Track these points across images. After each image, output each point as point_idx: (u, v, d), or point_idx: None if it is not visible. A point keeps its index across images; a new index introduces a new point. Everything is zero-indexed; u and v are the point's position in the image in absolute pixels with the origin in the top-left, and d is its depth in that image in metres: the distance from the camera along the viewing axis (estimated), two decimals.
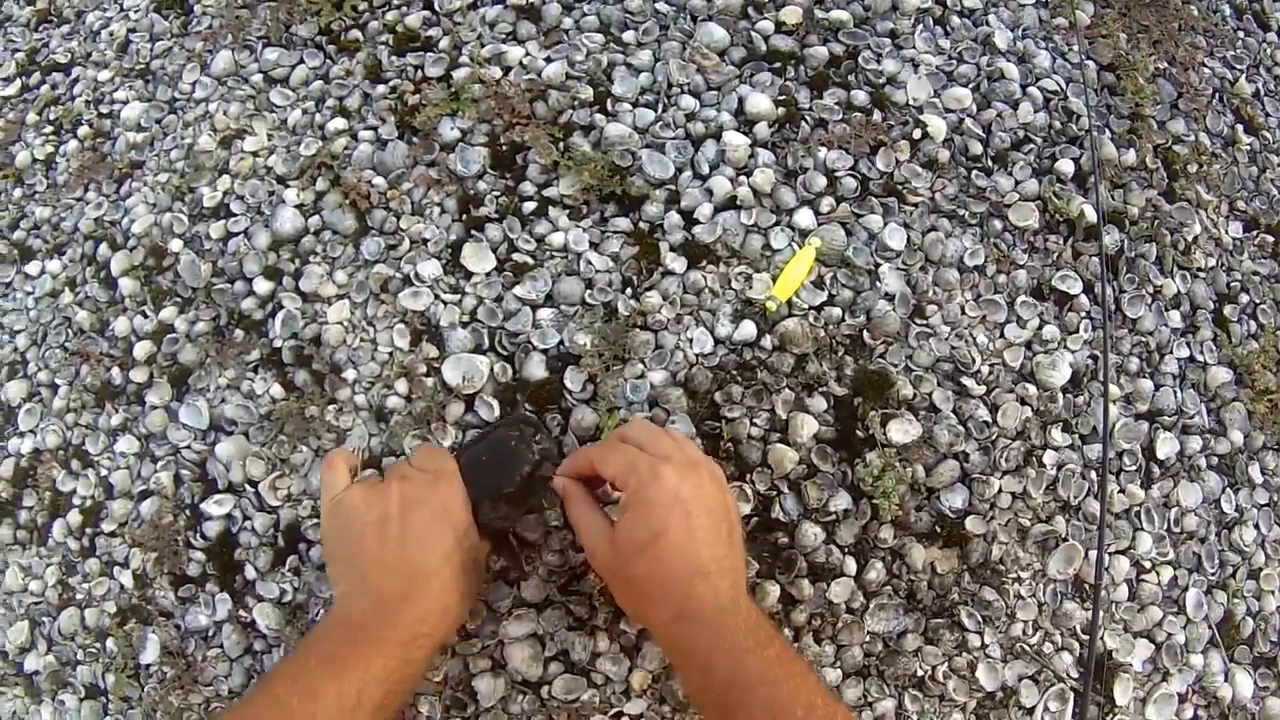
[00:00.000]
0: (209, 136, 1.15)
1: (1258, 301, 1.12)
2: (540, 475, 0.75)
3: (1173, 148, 1.17)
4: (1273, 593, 1.03)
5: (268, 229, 1.06)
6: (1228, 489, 1.03)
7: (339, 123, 1.12)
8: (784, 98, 1.08)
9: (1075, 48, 1.19)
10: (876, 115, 1.09)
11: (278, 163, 1.11)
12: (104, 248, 1.11)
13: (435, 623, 0.69)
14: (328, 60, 1.18)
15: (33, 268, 1.14)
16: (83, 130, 1.22)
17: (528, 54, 1.13)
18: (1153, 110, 1.18)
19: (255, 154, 1.13)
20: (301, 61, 1.18)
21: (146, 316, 1.06)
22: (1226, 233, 1.15)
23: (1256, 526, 1.03)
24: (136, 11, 1.31)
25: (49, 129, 1.24)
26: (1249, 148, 1.22)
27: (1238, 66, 1.28)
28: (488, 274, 1.00)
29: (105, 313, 1.08)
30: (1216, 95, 1.24)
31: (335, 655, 0.67)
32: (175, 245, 1.08)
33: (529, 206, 1.03)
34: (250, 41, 1.21)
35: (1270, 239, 1.17)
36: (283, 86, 1.17)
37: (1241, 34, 1.32)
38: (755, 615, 0.68)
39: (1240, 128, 1.23)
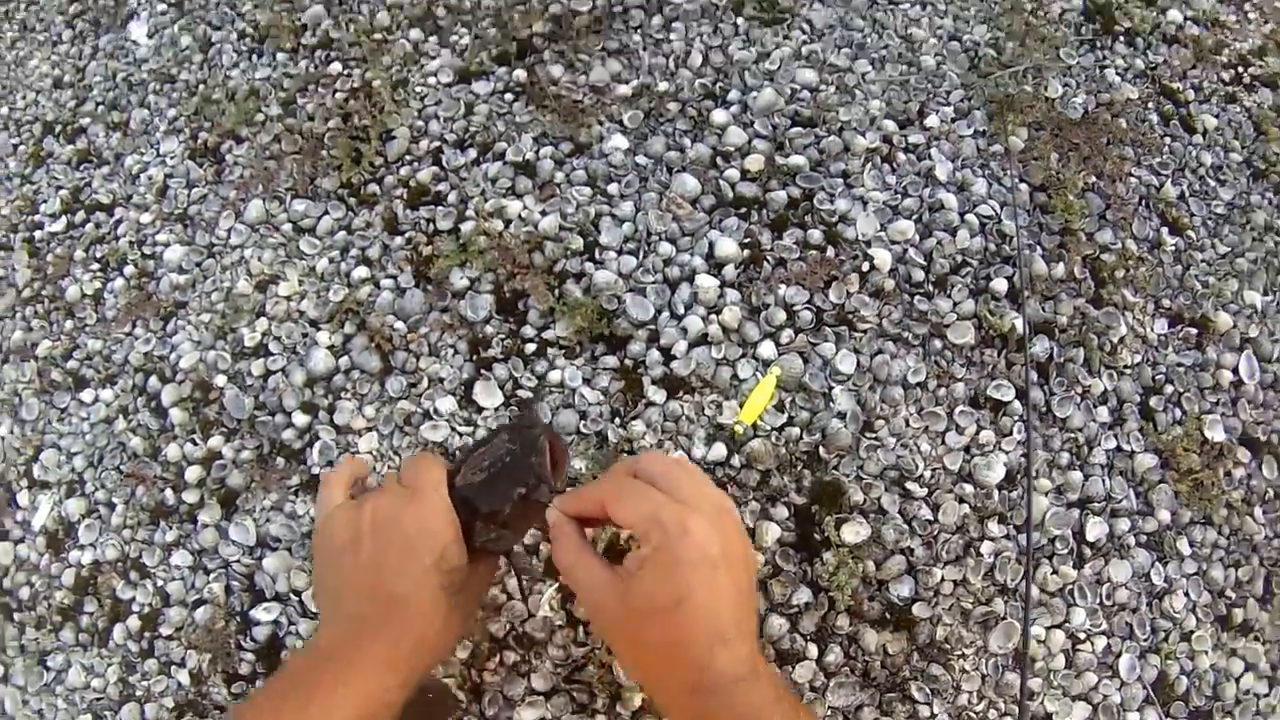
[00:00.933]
0: (246, 281, 1.38)
1: (1181, 390, 1.30)
2: (536, 499, 0.69)
3: (1100, 256, 1.35)
4: (1205, 652, 1.19)
5: (303, 368, 1.28)
6: (1157, 563, 1.20)
7: (362, 271, 1.34)
8: (748, 240, 1.29)
9: (1010, 172, 1.39)
10: (830, 251, 1.29)
11: (309, 307, 1.34)
12: (154, 380, 1.34)
13: (410, 651, 0.65)
14: (350, 212, 1.42)
15: (87, 395, 1.37)
16: (128, 269, 1.45)
17: (525, 207, 1.36)
18: (1081, 224, 1.37)
19: (289, 298, 1.36)
20: (326, 213, 1.42)
21: (196, 444, 1.28)
22: (1152, 330, 1.33)
23: (1186, 594, 1.20)
24: (172, 158, 1.55)
25: (96, 266, 1.48)
26: (1174, 248, 1.40)
27: (1163, 172, 1.46)
28: (496, 408, 1.21)
29: (157, 439, 1.30)
30: (1143, 202, 1.43)
31: (300, 683, 0.64)
32: (220, 380, 1.31)
33: (530, 348, 1.24)
34: (279, 192, 1.45)
35: (1194, 331, 1.35)
36: (311, 236, 1.41)
37: (1168, 139, 1.51)
38: (776, 683, 0.64)
39: (1165, 230, 1.41)
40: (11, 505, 1.33)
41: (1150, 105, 1.53)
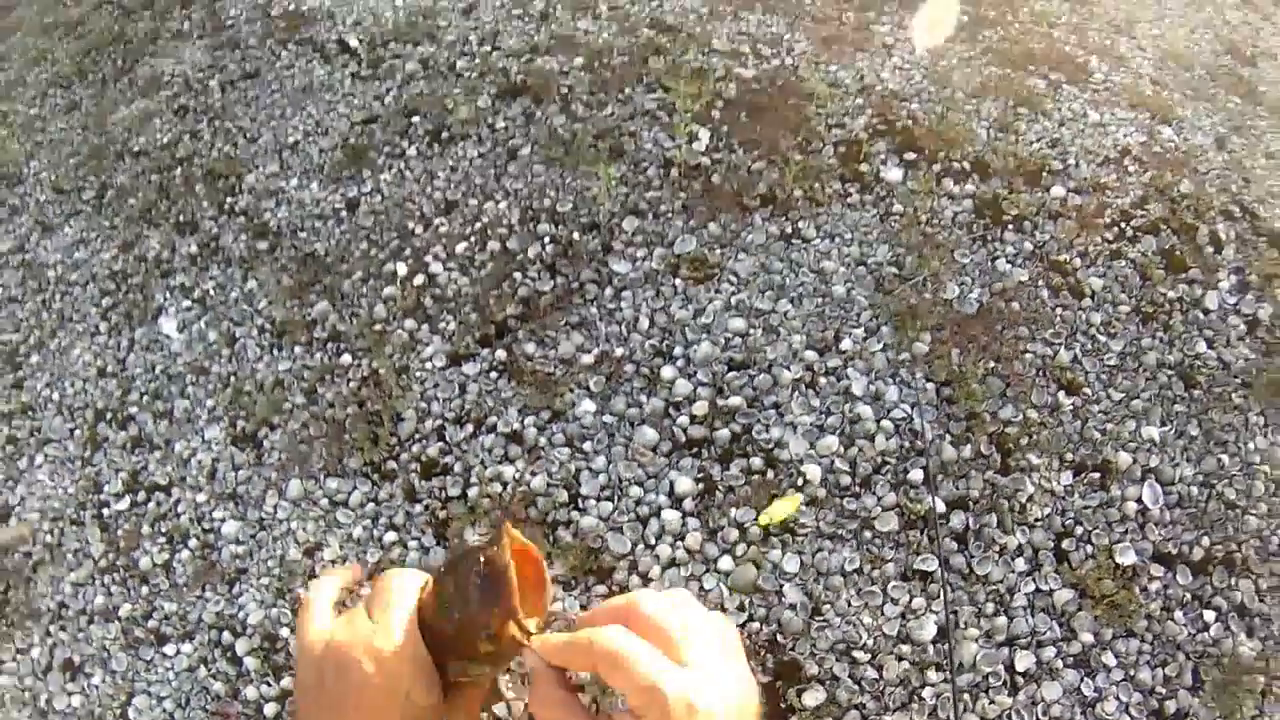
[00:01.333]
0: (295, 548, 2.08)
1: (1091, 529, 1.90)
2: (510, 638, 0.69)
3: (1005, 430, 1.99)
4: None
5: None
6: (1085, 678, 1.77)
7: (391, 535, 2.04)
8: (701, 475, 1.96)
9: (917, 374, 2.05)
10: (770, 474, 1.95)
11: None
12: (227, 634, 2.01)
13: None
14: (375, 486, 2.13)
15: (169, 649, 2.04)
16: (192, 543, 2.16)
17: (518, 470, 2.06)
18: (984, 405, 2.01)
19: (333, 561, 2.05)
20: (355, 488, 2.13)
21: (270, 685, 1.95)
22: (1058, 483, 1.95)
23: (1117, 698, 1.76)
24: (217, 444, 2.29)
25: (162, 539, 2.19)
26: (1071, 407, 2.03)
27: (1055, 342, 2.11)
28: None
29: (235, 683, 1.97)
30: (1039, 373, 2.07)
31: None
32: (284, 632, 1.99)
33: None
34: (314, 472, 2.18)
35: (1097, 475, 1.95)
36: (345, 508, 2.11)
37: (1059, 309, 2.16)
38: None
39: (1062, 393, 2.04)
40: None
41: (1040, 282, 2.19)
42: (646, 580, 1.87)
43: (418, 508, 2.06)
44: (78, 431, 2.44)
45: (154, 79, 3.41)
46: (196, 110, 3.19)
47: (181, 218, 2.81)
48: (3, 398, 2.59)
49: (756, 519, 1.84)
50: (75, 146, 3.28)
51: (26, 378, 2.61)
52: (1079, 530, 1.89)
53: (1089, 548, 1.88)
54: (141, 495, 2.27)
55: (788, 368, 2.08)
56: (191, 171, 2.95)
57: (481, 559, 0.70)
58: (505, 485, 2.05)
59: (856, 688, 1.74)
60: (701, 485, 1.95)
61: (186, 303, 2.58)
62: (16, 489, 2.39)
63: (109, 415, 2.43)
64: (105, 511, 2.28)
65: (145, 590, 2.13)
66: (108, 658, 2.06)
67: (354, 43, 3.15)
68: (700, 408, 2.05)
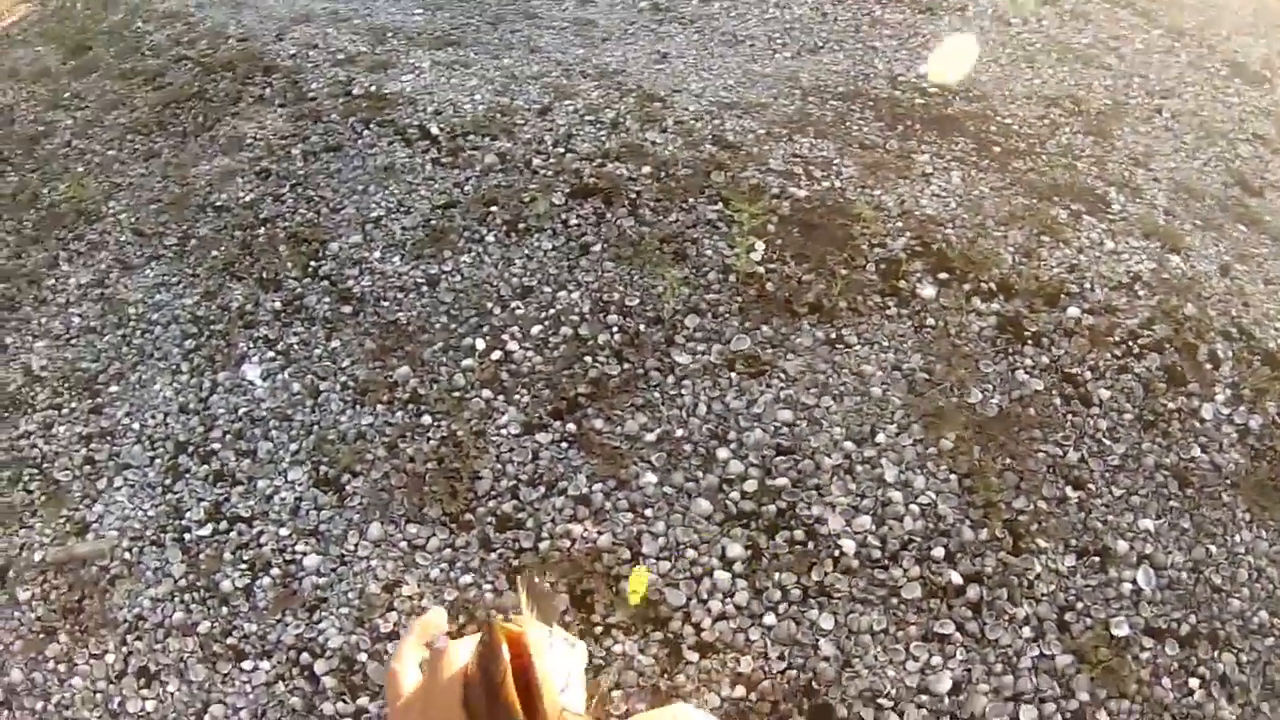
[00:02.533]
0: (375, 584, 2.47)
1: (1090, 604, 2.31)
2: None
3: (1017, 518, 2.42)
4: None
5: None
6: None
7: (467, 578, 2.44)
8: (750, 543, 2.38)
9: (942, 467, 2.49)
10: (810, 545, 2.37)
11: (429, 604, 2.41)
12: (305, 655, 2.37)
13: None
14: (452, 534, 2.52)
15: (247, 665, 2.38)
16: (274, 571, 2.52)
17: (585, 529, 2.47)
18: (1000, 496, 2.44)
19: (411, 598, 2.44)
20: (434, 535, 2.53)
21: (346, 702, 2.32)
22: (1063, 564, 2.36)
23: None
24: (299, 484, 2.68)
25: (244, 565, 2.54)
26: (1077, 500, 2.45)
27: (1065, 444, 2.54)
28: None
29: (312, 699, 2.33)
30: (1050, 470, 2.50)
31: None
32: (363, 657, 2.36)
33: (599, 629, 2.31)
34: (394, 518, 2.57)
35: (1097, 559, 2.38)
36: (423, 551, 2.50)
37: (1070, 415, 2.60)
38: None
39: (1069, 488, 2.47)
40: None
41: (1054, 392, 2.63)
42: (698, 630, 2.28)
43: (492, 555, 2.46)
44: (158, 460, 2.79)
45: (236, 139, 3.88)
46: (279, 175, 3.64)
47: (265, 274, 3.23)
48: (81, 421, 2.95)
49: (629, 598, 2.28)
50: (155, 193, 3.72)
51: (105, 405, 2.98)
52: (1079, 605, 2.30)
53: (1088, 620, 2.29)
54: (224, 524, 2.62)
55: (829, 455, 2.50)
56: (275, 232, 3.39)
57: (478, 670, 0.74)
58: (573, 541, 2.45)
59: None
60: (750, 551, 2.37)
61: (270, 354, 2.99)
62: (94, 507, 2.73)
63: (190, 448, 2.80)
64: (187, 536, 2.61)
65: (225, 610, 2.46)
66: (185, 668, 2.37)
67: (435, 130, 3.63)
68: (750, 485, 2.47)
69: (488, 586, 2.40)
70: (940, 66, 3.87)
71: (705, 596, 2.32)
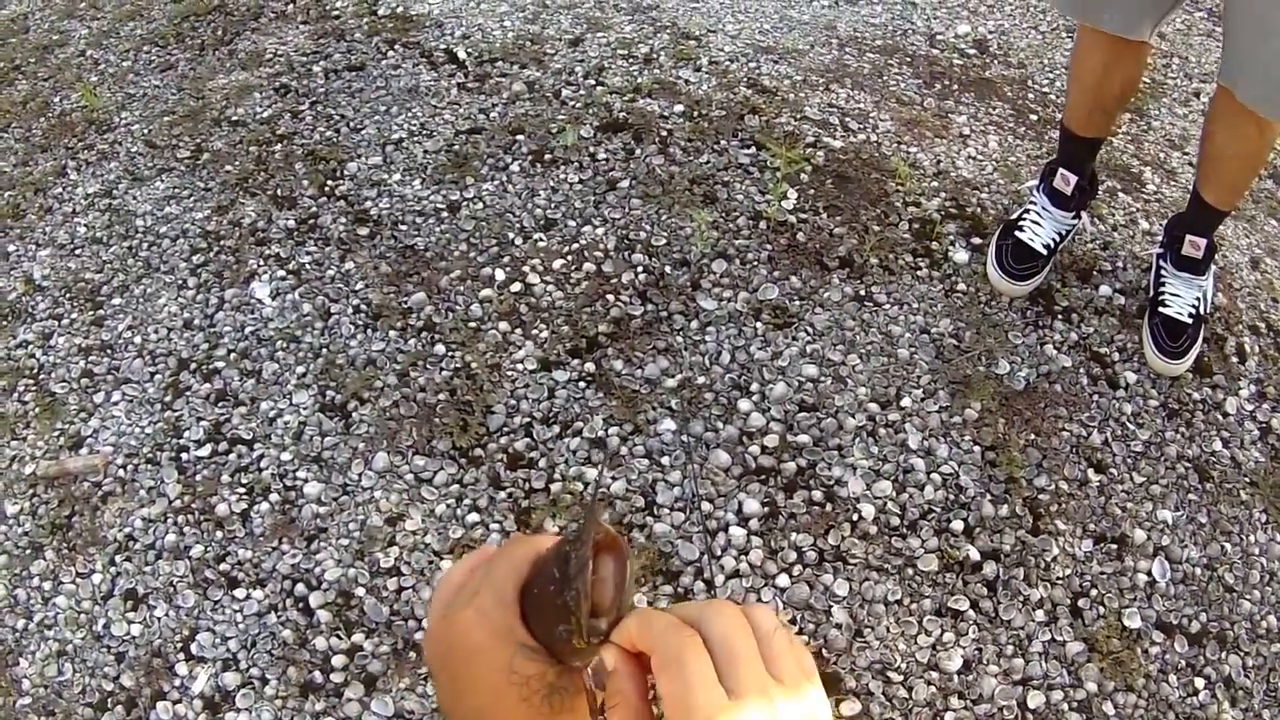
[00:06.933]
0: (377, 516, 2.35)
1: (1104, 592, 2.21)
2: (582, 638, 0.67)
3: (1038, 496, 2.30)
4: None
5: (430, 586, 2.23)
6: None
7: (474, 516, 2.32)
8: (768, 500, 2.27)
9: (967, 437, 2.37)
10: (828, 507, 2.26)
11: (433, 541, 2.30)
12: (301, 586, 2.27)
13: None
14: (461, 469, 2.40)
15: (239, 593, 2.27)
16: (273, 497, 2.40)
17: (600, 473, 2.35)
18: (1022, 473, 2.33)
19: (414, 533, 2.33)
20: (442, 469, 2.40)
21: (340, 638, 2.21)
22: (1080, 549, 2.26)
23: None
24: (305, 409, 2.55)
25: (242, 489, 2.43)
26: (1098, 483, 2.34)
27: (1090, 424, 2.43)
28: None
29: (304, 632, 2.23)
30: (1073, 450, 2.39)
31: None
32: (360, 591, 2.25)
33: None
34: (401, 449, 2.45)
35: (1114, 546, 2.27)
36: (430, 486, 2.39)
37: (1096, 396, 2.48)
38: None
39: (1090, 470, 2.36)
40: (170, 673, 2.21)
41: (1081, 370, 2.51)
42: (711, 586, 2.17)
43: (501, 494, 2.34)
44: (159, 376, 2.66)
45: (255, 54, 3.69)
46: (298, 91, 3.47)
47: (279, 191, 3.08)
48: (81, 333, 2.81)
49: None
50: (169, 105, 3.54)
51: (107, 317, 2.83)
52: (1094, 592, 2.20)
53: (1101, 609, 2.19)
54: (223, 446, 2.50)
55: (852, 415, 2.38)
56: (292, 149, 3.23)
57: (569, 549, 0.67)
58: (586, 485, 2.33)
59: (888, 704, 2.04)
60: (767, 509, 2.25)
61: (281, 272, 2.84)
62: (90, 421, 2.60)
63: (193, 366, 2.67)
64: (184, 456, 2.50)
65: (220, 535, 2.35)
66: (174, 593, 2.27)
67: (462, 55, 3.46)
68: (771, 440, 2.35)
69: (495, 527, 2.29)
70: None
71: (719, 552, 2.21)
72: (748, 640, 0.63)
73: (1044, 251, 2.57)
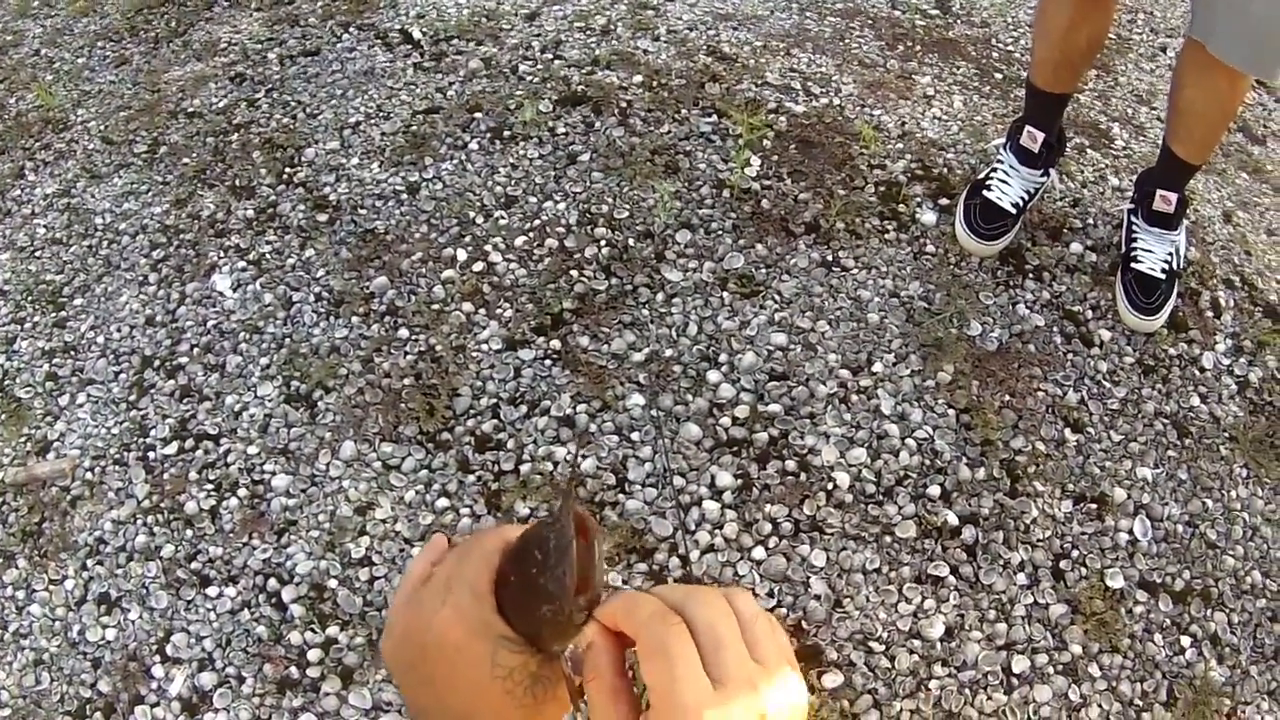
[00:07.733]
0: (347, 506, 2.29)
1: (1085, 553, 2.16)
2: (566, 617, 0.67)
3: (1015, 458, 2.25)
4: None
5: (403, 575, 2.18)
6: (1073, 685, 2.03)
7: (444, 502, 2.25)
8: (740, 472, 2.21)
9: (941, 401, 2.31)
10: (802, 476, 2.20)
11: (404, 529, 2.24)
12: (273, 581, 2.20)
13: None
14: (429, 454, 2.34)
15: (212, 591, 2.22)
16: (241, 492, 2.34)
17: (569, 452, 2.28)
18: (998, 435, 2.27)
19: (384, 521, 2.26)
20: (409, 455, 2.34)
21: (315, 632, 2.15)
22: (1059, 510, 2.21)
23: (1100, 706, 2.02)
24: (270, 400, 2.48)
25: (210, 486, 2.37)
26: (1075, 443, 2.29)
27: (1065, 383, 2.38)
28: None
29: (279, 628, 2.16)
30: (1049, 410, 2.34)
31: None
32: (332, 584, 2.19)
33: None
34: (368, 436, 2.38)
35: (1094, 505, 2.22)
36: (398, 472, 2.32)
37: (1070, 355, 2.43)
38: None
39: (1068, 430, 2.31)
40: (147, 676, 2.15)
41: (1054, 329, 2.46)
42: (686, 562, 2.11)
43: (470, 478, 2.28)
44: (123, 375, 2.60)
45: (210, 44, 3.60)
46: (254, 80, 3.38)
47: (238, 182, 3.00)
48: (44, 336, 2.74)
49: None
50: (125, 100, 3.45)
51: (69, 318, 2.76)
52: (1075, 553, 2.15)
53: (1083, 570, 2.14)
54: (190, 443, 2.44)
55: (823, 383, 2.33)
56: (249, 138, 3.14)
57: (549, 531, 0.67)
58: (555, 465, 2.27)
59: (871, 674, 1.99)
60: (740, 481, 2.19)
61: (241, 263, 2.77)
62: (56, 425, 2.54)
63: (157, 363, 2.60)
64: (151, 455, 2.44)
65: (190, 534, 2.30)
66: (147, 595, 2.22)
67: (417, 34, 3.38)
68: (742, 411, 2.29)
69: (465, 511, 2.22)
70: None
71: (693, 526, 2.15)
72: (732, 627, 0.62)
73: (1013, 210, 2.51)
